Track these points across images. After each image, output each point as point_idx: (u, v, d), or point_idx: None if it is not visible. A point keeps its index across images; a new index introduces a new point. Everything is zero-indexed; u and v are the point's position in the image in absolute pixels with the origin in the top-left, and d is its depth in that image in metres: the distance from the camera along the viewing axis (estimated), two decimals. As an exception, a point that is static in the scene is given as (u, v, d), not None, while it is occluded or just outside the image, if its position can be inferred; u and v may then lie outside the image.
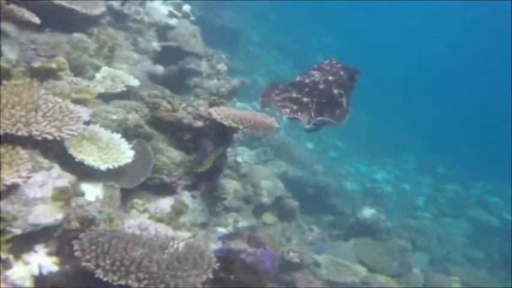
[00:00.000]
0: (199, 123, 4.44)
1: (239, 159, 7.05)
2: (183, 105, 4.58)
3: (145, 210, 3.87)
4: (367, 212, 8.41)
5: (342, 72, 2.67)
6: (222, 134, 4.47)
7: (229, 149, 7.01)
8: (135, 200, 3.95)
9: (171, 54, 6.76)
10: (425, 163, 17.56)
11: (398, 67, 27.45)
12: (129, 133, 4.25)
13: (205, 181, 4.55)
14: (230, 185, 5.44)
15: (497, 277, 10.73)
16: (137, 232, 3.24)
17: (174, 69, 6.66)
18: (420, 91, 26.77)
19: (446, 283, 7.22)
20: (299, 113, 2.50)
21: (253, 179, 6.94)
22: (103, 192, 3.57)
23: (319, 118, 2.52)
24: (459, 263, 10.80)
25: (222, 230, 4.90)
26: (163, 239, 3.06)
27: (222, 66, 7.25)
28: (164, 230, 3.58)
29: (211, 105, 4.74)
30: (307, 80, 2.62)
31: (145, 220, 3.61)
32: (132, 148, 4.01)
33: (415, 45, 32.57)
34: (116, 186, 3.75)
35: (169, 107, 4.53)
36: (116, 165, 3.62)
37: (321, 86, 2.59)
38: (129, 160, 3.74)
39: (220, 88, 5.97)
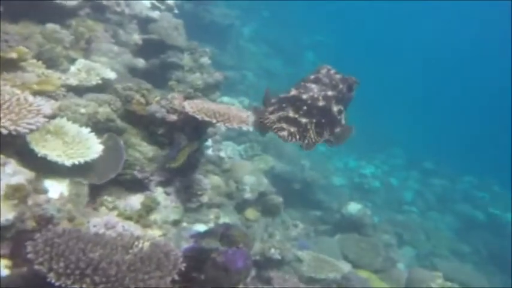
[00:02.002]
0: (173, 117, 4.28)
1: (222, 154, 6.92)
2: (157, 98, 4.42)
3: (114, 208, 3.71)
4: (353, 208, 8.35)
5: (341, 85, 2.43)
6: (196, 128, 4.32)
7: (212, 144, 6.91)
8: (105, 197, 3.78)
9: (153, 48, 6.59)
10: (413, 158, 17.55)
11: (390, 63, 27.39)
12: (99, 127, 4.07)
13: (180, 177, 4.41)
14: (209, 180, 5.30)
15: (484, 271, 10.77)
16: (103, 231, 3.10)
17: (156, 62, 6.49)
18: (411, 87, 26.80)
19: (429, 278, 7.20)
20: (297, 137, 2.27)
21: (236, 174, 6.80)
22: (69, 189, 3.40)
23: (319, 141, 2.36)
24: (446, 257, 10.82)
25: (201, 227, 4.77)
26: (127, 239, 2.91)
27: (205, 60, 7.09)
28: (133, 228, 3.44)
29: (187, 98, 4.58)
30: (304, 96, 2.33)
31: (112, 218, 3.46)
32: (103, 143, 3.85)
33: (408, 43, 32.53)
34: (84, 182, 3.59)
35: (142, 100, 4.36)
36: (82, 160, 3.45)
37: (320, 104, 2.33)
38: (96, 155, 3.57)
39: (197, 81, 5.81)
